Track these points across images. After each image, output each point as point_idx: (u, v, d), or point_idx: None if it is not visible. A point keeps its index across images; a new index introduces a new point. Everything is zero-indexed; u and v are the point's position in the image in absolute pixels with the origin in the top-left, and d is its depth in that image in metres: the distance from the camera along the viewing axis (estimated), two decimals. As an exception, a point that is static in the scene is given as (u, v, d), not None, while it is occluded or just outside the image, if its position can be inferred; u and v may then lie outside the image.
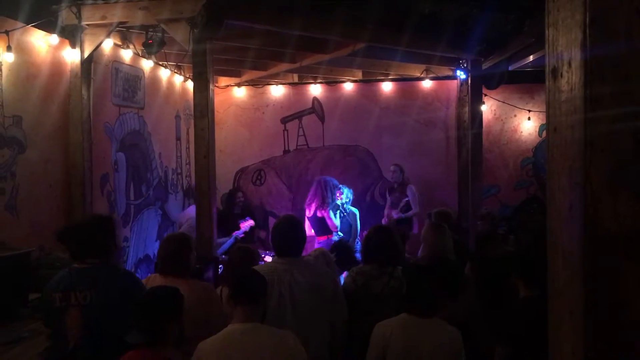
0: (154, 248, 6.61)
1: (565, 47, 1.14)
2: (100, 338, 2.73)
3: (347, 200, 6.92)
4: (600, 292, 1.06)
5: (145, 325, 2.41)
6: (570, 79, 1.12)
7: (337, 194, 6.86)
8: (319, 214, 6.68)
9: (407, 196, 7.59)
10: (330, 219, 6.62)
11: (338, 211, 6.75)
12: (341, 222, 6.80)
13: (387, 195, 7.97)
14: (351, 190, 7.05)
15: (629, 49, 1.04)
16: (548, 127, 1.23)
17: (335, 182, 6.93)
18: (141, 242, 6.52)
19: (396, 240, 3.71)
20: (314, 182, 7.00)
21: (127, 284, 2.92)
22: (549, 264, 1.23)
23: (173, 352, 2.49)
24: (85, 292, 2.77)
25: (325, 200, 6.70)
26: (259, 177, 9.04)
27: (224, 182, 8.38)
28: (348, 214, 6.89)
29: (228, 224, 6.75)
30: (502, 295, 3.46)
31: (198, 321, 3.08)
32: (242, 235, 6.75)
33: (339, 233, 6.68)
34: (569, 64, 1.12)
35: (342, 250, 4.64)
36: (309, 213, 6.82)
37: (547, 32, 1.22)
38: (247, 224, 6.82)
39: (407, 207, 7.57)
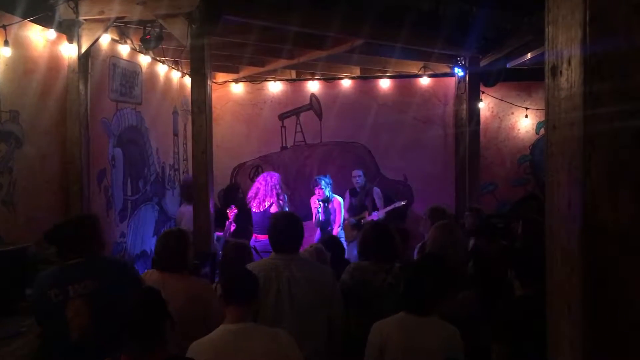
0: (151, 244, 6.61)
1: (564, 45, 1.14)
2: (108, 324, 2.71)
3: (329, 189, 6.97)
4: (598, 287, 1.06)
5: (144, 336, 2.35)
6: (570, 77, 1.12)
7: (316, 190, 6.90)
8: (271, 210, 6.58)
9: (373, 199, 7.53)
10: None
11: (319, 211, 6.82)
12: (325, 212, 6.89)
13: (347, 199, 7.66)
14: (327, 176, 7.07)
15: (628, 46, 1.04)
16: (547, 125, 1.24)
17: (278, 177, 6.90)
18: (138, 237, 6.52)
19: (394, 236, 3.71)
20: (258, 181, 6.90)
21: (124, 270, 3.03)
22: (547, 260, 1.23)
23: (169, 347, 2.47)
24: (85, 281, 2.79)
25: (280, 196, 6.70)
26: (257, 174, 9.01)
27: (221, 178, 8.36)
28: (332, 201, 6.97)
29: (225, 221, 6.72)
30: (500, 292, 3.47)
31: (195, 318, 3.08)
32: (234, 225, 6.71)
33: None
34: (569, 62, 1.12)
35: (333, 248, 4.53)
36: (257, 208, 6.73)
37: (546, 29, 1.22)
38: (232, 213, 6.63)
39: (375, 208, 7.53)
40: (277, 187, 6.76)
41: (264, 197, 6.71)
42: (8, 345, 3.13)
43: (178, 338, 2.77)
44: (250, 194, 6.90)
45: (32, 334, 3.19)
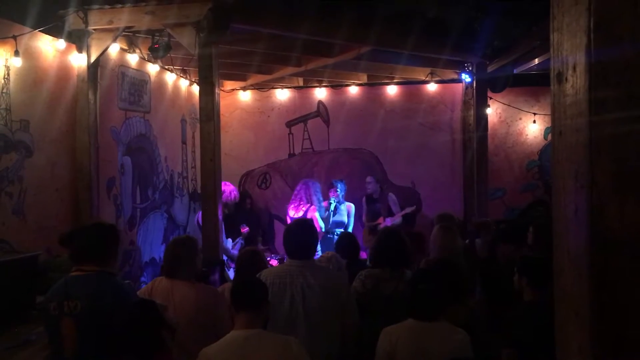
0: (159, 251, 6.64)
1: (570, 52, 1.15)
2: (94, 349, 2.60)
3: (342, 194, 7.09)
4: (606, 293, 1.06)
5: (140, 348, 2.34)
6: (575, 83, 1.12)
7: (331, 193, 7.02)
8: (308, 215, 6.75)
9: (388, 205, 7.60)
10: (317, 220, 6.74)
11: (330, 210, 6.98)
12: (335, 215, 7.00)
13: (365, 205, 7.79)
14: (343, 182, 7.20)
15: (633, 53, 1.04)
16: (553, 131, 1.24)
17: (319, 186, 7.09)
18: (147, 245, 6.54)
19: (405, 243, 3.72)
20: (300, 185, 7.08)
21: (118, 294, 2.70)
22: (555, 266, 1.23)
23: (172, 354, 2.47)
24: (76, 300, 2.62)
25: (314, 203, 6.84)
26: (265, 181, 9.05)
27: (229, 185, 8.39)
28: (344, 206, 7.08)
29: (234, 229, 6.75)
30: (509, 298, 3.46)
31: (204, 324, 3.09)
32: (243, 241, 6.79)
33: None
34: (574, 68, 1.13)
35: (347, 244, 4.61)
36: (295, 214, 6.88)
37: (551, 36, 1.23)
38: (244, 230, 6.88)
39: (390, 213, 7.58)
40: (318, 194, 6.91)
41: (301, 203, 6.86)
42: (17, 353, 3.14)
43: (187, 344, 2.78)
44: (297, 198, 7.04)
45: (41, 343, 3.19)
